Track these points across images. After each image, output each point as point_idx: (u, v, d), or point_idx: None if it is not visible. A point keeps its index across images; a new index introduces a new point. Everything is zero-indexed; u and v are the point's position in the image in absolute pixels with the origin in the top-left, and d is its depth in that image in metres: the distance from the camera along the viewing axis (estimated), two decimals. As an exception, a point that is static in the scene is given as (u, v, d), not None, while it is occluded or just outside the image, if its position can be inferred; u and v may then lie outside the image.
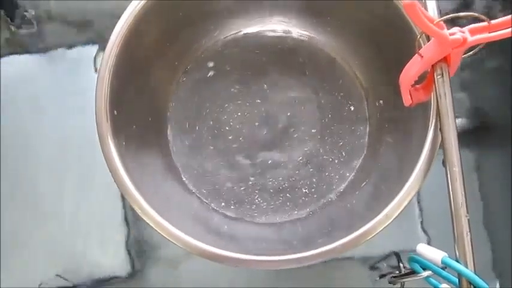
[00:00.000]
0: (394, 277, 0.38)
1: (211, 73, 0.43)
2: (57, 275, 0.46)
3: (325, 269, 0.45)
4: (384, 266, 0.44)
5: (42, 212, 0.47)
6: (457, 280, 0.27)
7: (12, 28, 0.49)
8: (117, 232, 0.46)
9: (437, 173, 0.44)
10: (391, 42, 0.34)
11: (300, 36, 0.43)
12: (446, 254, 0.27)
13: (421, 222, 0.46)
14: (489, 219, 0.46)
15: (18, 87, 0.49)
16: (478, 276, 0.25)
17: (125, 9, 0.34)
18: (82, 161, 0.47)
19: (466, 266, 0.26)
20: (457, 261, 0.26)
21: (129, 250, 0.46)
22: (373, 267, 0.45)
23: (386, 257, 0.44)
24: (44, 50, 0.49)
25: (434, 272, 0.29)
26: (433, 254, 0.27)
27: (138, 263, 0.46)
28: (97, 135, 0.33)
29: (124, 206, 0.46)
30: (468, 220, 0.26)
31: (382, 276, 0.42)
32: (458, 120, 0.48)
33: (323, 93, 0.42)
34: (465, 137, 0.47)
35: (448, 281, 0.28)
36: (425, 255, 0.28)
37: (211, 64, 0.43)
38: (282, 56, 0.43)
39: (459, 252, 0.26)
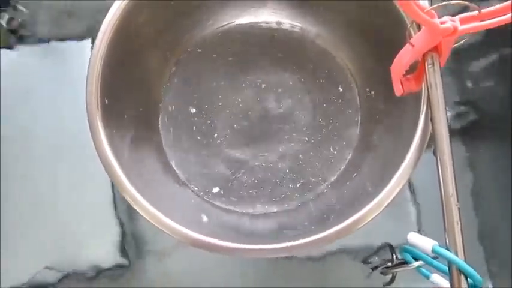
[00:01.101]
0: (386, 267, 0.38)
1: (203, 64, 0.43)
2: (46, 267, 0.46)
3: (320, 264, 0.45)
4: (376, 260, 0.45)
5: (35, 203, 0.47)
6: (447, 269, 0.27)
7: (4, 21, 0.49)
8: (109, 224, 0.46)
9: (433, 169, 0.45)
10: (382, 32, 0.35)
11: (292, 27, 0.43)
12: (436, 243, 0.27)
13: (417, 218, 0.46)
14: (482, 214, 0.46)
15: (11, 79, 0.49)
16: (468, 264, 0.25)
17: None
18: (75, 153, 0.47)
19: (457, 254, 0.26)
20: (448, 249, 0.26)
21: (121, 242, 0.46)
22: (365, 261, 0.45)
23: (379, 250, 0.45)
24: (36, 42, 0.49)
25: (426, 261, 0.29)
26: (424, 243, 0.27)
27: (129, 255, 0.46)
28: (86, 128, 0.32)
29: (115, 198, 0.46)
30: (459, 209, 0.26)
31: (374, 268, 0.42)
32: (452, 115, 0.48)
33: (314, 84, 0.43)
34: (459, 132, 0.48)
35: (439, 270, 0.28)
36: (416, 244, 0.28)
37: (203, 55, 0.43)
38: (274, 47, 0.43)
39: (449, 241, 0.26)
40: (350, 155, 0.41)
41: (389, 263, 0.40)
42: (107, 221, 0.47)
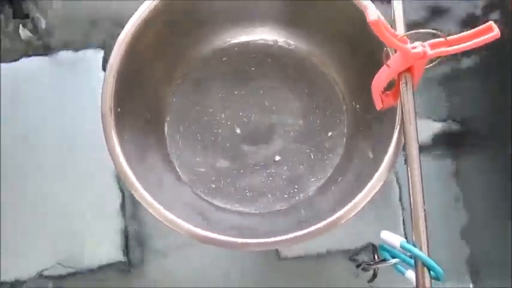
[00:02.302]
0: (367, 264, 0.42)
1: (205, 77, 0.46)
2: (58, 263, 0.48)
3: (312, 263, 0.48)
4: (361, 258, 0.47)
5: (44, 202, 0.49)
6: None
7: (22, 31, 0.52)
8: (114, 224, 0.48)
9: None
10: (367, 52, 0.37)
11: (287, 45, 0.46)
12: (404, 239, 0.30)
13: (403, 220, 0.48)
14: (469, 221, 0.49)
15: (26, 87, 0.51)
16: (430, 258, 0.28)
17: (125, 14, 0.37)
18: (82, 155, 0.49)
19: (421, 249, 0.29)
20: (414, 245, 0.29)
21: (124, 241, 0.48)
22: (351, 259, 0.47)
23: (364, 250, 0.47)
24: (51, 52, 0.52)
25: (401, 259, 0.32)
26: (394, 239, 0.30)
27: (132, 254, 0.48)
28: (101, 130, 0.35)
29: (122, 198, 0.48)
30: (424, 210, 0.29)
31: (358, 266, 0.45)
32: (440, 125, 0.50)
33: (306, 97, 0.46)
34: (446, 141, 0.50)
35: (411, 265, 0.30)
36: (387, 241, 0.31)
37: (205, 69, 0.46)
38: (270, 63, 0.46)
39: (416, 237, 0.29)
40: (337, 162, 0.43)
41: (372, 261, 0.44)
42: (112, 221, 0.48)
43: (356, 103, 0.43)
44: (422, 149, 0.49)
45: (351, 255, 0.47)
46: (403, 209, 0.49)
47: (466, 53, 0.50)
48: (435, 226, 0.48)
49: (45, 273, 0.48)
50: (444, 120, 0.50)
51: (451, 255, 0.48)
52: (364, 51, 0.38)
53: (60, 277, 0.48)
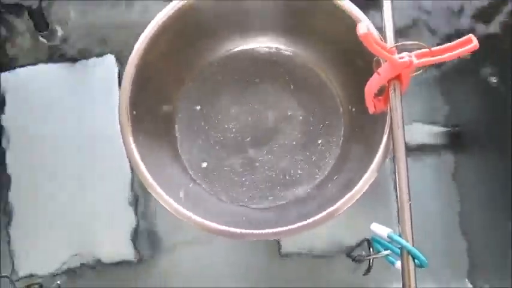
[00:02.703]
0: (361, 256, 0.45)
1: (212, 82, 0.48)
2: (74, 255, 0.49)
3: (312, 260, 0.49)
4: (355, 252, 0.48)
5: (60, 199, 0.50)
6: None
7: (41, 39, 0.54)
8: (125, 221, 0.50)
9: (417, 177, 0.48)
10: (362, 59, 0.39)
11: (287, 52, 0.48)
12: (391, 230, 0.33)
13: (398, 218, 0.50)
14: (466, 221, 0.49)
15: (43, 93, 0.53)
16: (414, 248, 0.31)
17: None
18: (97, 154, 0.51)
19: (407, 240, 0.31)
20: (400, 236, 0.32)
21: (135, 236, 0.49)
22: (348, 254, 0.48)
23: (360, 245, 0.48)
24: (67, 59, 0.53)
25: (391, 250, 0.34)
26: (382, 231, 0.33)
27: (144, 249, 0.49)
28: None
29: (134, 197, 0.50)
30: (410, 205, 0.32)
31: (353, 259, 0.47)
32: (437, 128, 0.51)
33: (305, 101, 0.48)
34: (444, 143, 0.51)
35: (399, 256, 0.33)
36: (376, 232, 0.34)
37: (212, 75, 0.48)
38: (272, 69, 0.48)
39: (402, 229, 0.32)
40: (334, 161, 0.46)
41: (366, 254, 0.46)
42: (124, 217, 0.49)
43: (352, 107, 0.45)
44: (420, 150, 0.51)
45: (348, 251, 0.48)
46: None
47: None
48: (434, 225, 0.49)
49: (62, 267, 0.49)
50: (442, 122, 0.52)
51: (449, 253, 0.49)
52: (358, 58, 0.40)
53: (74, 271, 0.49)
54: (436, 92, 0.52)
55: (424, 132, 0.51)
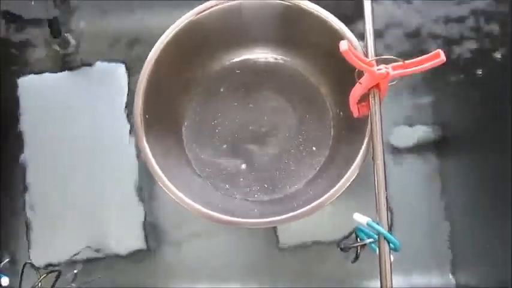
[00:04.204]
0: (346, 245, 0.48)
1: (215, 89, 0.52)
2: (87, 246, 0.51)
3: (307, 252, 0.51)
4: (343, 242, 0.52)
5: (73, 194, 0.53)
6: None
7: (56, 48, 0.56)
8: (134, 214, 0.52)
9: (404, 177, 0.51)
10: (348, 68, 0.40)
11: (283, 61, 0.52)
12: (370, 219, 0.36)
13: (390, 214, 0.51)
14: (451, 218, 0.51)
15: (58, 96, 0.55)
16: (389, 233, 0.34)
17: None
18: (107, 153, 0.53)
19: (383, 227, 0.35)
20: (378, 224, 0.35)
21: (144, 230, 0.52)
22: (338, 245, 0.53)
23: (349, 236, 0.52)
24: (79, 66, 0.56)
25: (373, 238, 0.37)
26: (362, 219, 0.36)
27: (151, 241, 0.51)
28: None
29: (142, 194, 0.52)
30: (386, 196, 0.36)
31: (341, 249, 0.50)
32: (424, 129, 0.54)
33: (299, 105, 0.51)
34: (430, 146, 0.53)
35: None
36: (358, 220, 0.37)
37: (214, 83, 0.52)
38: (269, 77, 0.52)
39: (379, 218, 0.35)
40: (323, 160, 0.49)
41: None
42: (133, 211, 0.52)
43: (340, 110, 0.49)
44: (407, 150, 0.53)
45: (338, 242, 0.51)
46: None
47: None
48: (420, 222, 0.52)
49: (76, 257, 0.51)
50: (428, 124, 0.54)
51: (433, 248, 0.52)
52: (345, 67, 0.43)
53: (88, 261, 0.52)
54: (421, 93, 0.55)
55: (409, 134, 0.54)
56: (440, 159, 0.53)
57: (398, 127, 0.54)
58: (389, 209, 0.48)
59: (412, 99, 0.54)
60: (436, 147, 0.53)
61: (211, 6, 0.45)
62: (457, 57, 0.54)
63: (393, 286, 0.33)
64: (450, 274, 0.51)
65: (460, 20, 0.54)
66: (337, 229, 0.51)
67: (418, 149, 0.54)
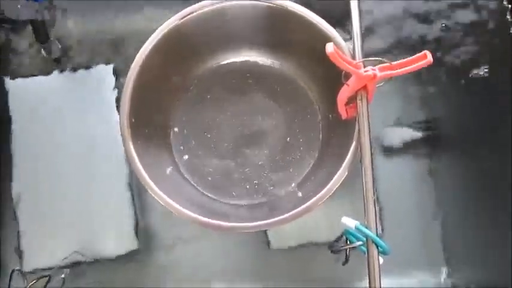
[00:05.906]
0: (336, 248, 0.48)
1: (204, 91, 0.52)
2: (75, 251, 0.51)
3: (299, 254, 0.51)
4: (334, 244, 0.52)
5: (64, 197, 0.52)
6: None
7: (43, 53, 0.56)
8: (125, 217, 0.52)
9: (394, 178, 0.51)
10: (337, 71, 0.40)
11: (273, 64, 0.52)
12: (358, 222, 0.36)
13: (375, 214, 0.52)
14: (442, 217, 0.52)
15: (48, 99, 0.55)
16: (377, 236, 0.35)
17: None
18: (98, 157, 0.53)
19: (371, 231, 0.35)
20: (366, 227, 0.36)
21: (135, 233, 0.51)
22: (329, 247, 0.53)
23: (340, 238, 0.53)
24: (66, 69, 0.56)
25: (362, 240, 0.37)
26: (351, 223, 0.37)
27: (142, 244, 0.51)
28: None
29: (133, 197, 0.52)
30: (374, 199, 0.36)
31: (332, 251, 0.51)
32: (414, 129, 0.54)
33: (288, 108, 0.51)
34: (420, 146, 0.54)
35: None
36: (346, 224, 0.37)
37: (202, 86, 0.52)
38: (259, 79, 0.52)
39: (368, 221, 0.36)
40: (312, 163, 0.50)
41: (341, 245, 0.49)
42: (124, 214, 0.52)
43: (329, 113, 0.49)
44: (398, 151, 0.54)
45: (330, 244, 0.52)
46: (379, 205, 0.53)
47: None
48: (411, 222, 0.52)
49: (64, 262, 0.51)
50: (419, 123, 0.54)
51: (425, 247, 0.52)
52: (334, 70, 0.44)
53: (76, 265, 0.51)
54: (413, 92, 0.55)
55: (399, 134, 0.54)
56: (431, 158, 0.53)
57: (388, 128, 0.55)
58: (378, 209, 0.51)
59: (402, 99, 0.55)
60: (427, 147, 0.54)
61: (197, 10, 0.45)
62: (447, 58, 0.54)
63: (382, 287, 0.34)
64: (442, 273, 0.51)
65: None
66: (328, 230, 0.51)
67: (409, 149, 0.54)
